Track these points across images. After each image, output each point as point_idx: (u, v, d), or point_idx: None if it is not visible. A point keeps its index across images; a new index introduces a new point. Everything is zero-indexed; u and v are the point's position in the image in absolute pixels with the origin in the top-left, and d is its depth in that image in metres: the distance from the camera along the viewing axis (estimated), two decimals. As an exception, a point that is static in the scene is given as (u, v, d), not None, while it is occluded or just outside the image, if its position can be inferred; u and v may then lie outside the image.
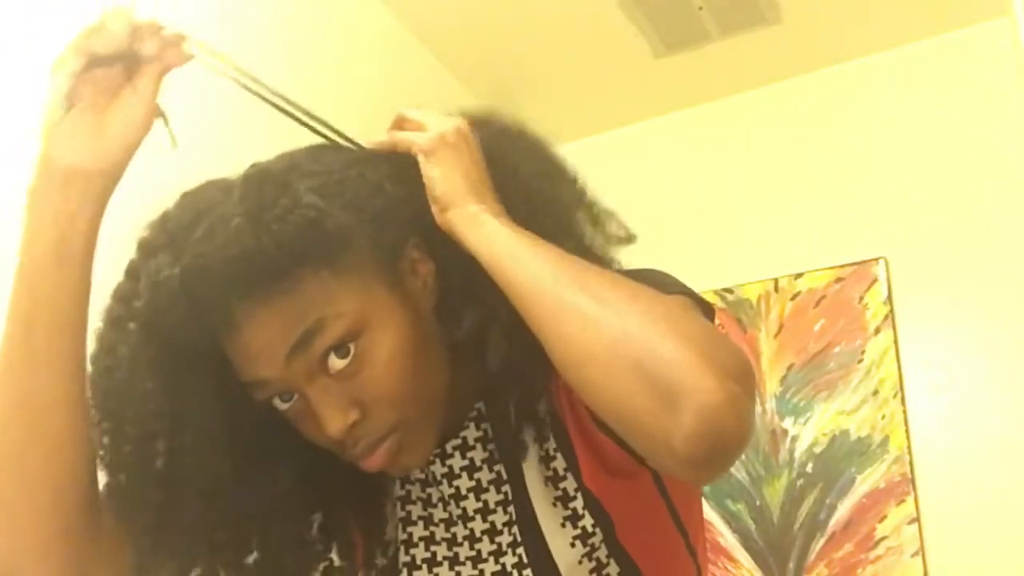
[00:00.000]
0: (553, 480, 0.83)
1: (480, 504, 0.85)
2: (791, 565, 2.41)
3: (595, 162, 1.01)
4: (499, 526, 0.84)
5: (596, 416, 0.77)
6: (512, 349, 0.79)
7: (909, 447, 2.36)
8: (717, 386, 0.63)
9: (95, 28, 0.74)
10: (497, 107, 0.91)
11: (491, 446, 0.85)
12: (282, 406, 0.79)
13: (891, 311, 2.44)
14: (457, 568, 0.85)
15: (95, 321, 0.78)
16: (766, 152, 2.71)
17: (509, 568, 0.83)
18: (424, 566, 0.86)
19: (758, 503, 2.48)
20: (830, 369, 2.48)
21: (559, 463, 0.83)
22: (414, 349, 0.78)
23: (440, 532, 0.86)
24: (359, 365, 0.76)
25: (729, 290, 2.61)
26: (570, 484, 0.83)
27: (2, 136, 1.31)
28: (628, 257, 0.90)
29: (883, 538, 2.33)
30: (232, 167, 0.81)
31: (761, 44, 2.58)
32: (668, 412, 0.63)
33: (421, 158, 0.80)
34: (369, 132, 0.86)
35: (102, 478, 0.78)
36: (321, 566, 0.88)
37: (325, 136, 0.84)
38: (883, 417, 2.39)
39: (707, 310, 0.80)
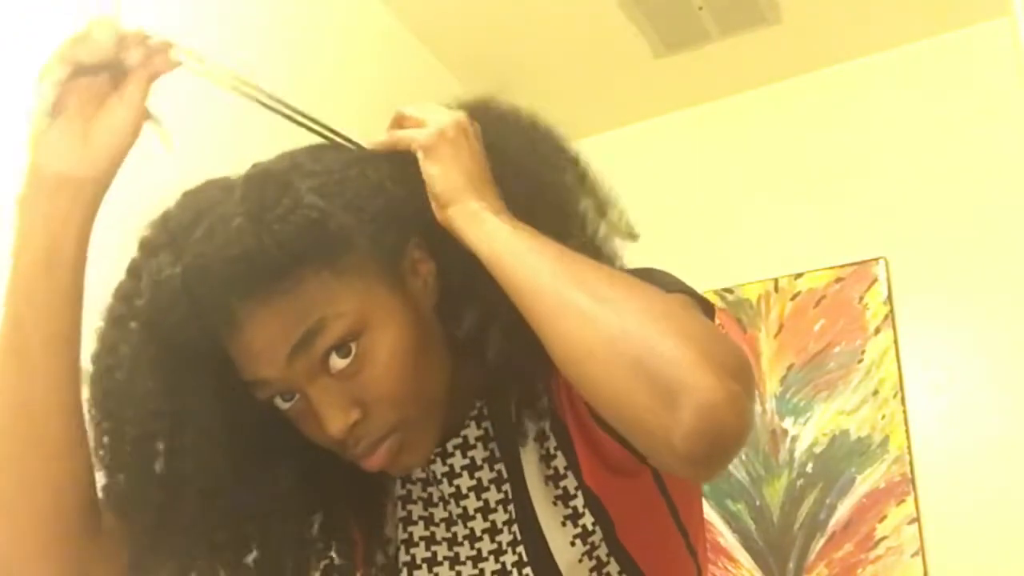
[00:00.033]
0: (553, 479, 0.83)
1: (481, 503, 0.85)
2: (791, 565, 2.41)
3: (595, 162, 1.00)
4: (499, 525, 0.84)
5: (596, 413, 0.77)
6: (512, 347, 0.79)
7: (909, 447, 2.36)
8: (716, 383, 0.63)
9: (80, 37, 0.75)
10: (495, 93, 0.91)
11: (492, 445, 0.85)
12: (283, 405, 0.79)
13: (891, 311, 2.44)
14: (458, 568, 0.85)
15: (96, 320, 0.78)
16: (766, 152, 2.71)
17: (509, 567, 0.83)
18: (424, 565, 0.86)
19: (758, 503, 2.48)
20: (830, 369, 2.48)
21: (559, 461, 0.83)
22: (415, 348, 0.78)
23: (441, 532, 0.86)
24: (360, 365, 0.76)
25: (729, 290, 2.61)
26: (570, 482, 0.83)
27: None
28: (628, 257, 0.90)
29: (883, 538, 2.33)
30: (232, 167, 0.81)
31: (761, 44, 2.58)
32: (667, 409, 0.63)
33: (421, 155, 0.80)
34: (369, 132, 0.86)
35: (102, 478, 0.78)
36: (321, 565, 0.88)
37: (321, 135, 0.83)
38: (883, 417, 2.39)
39: (707, 308, 0.80)
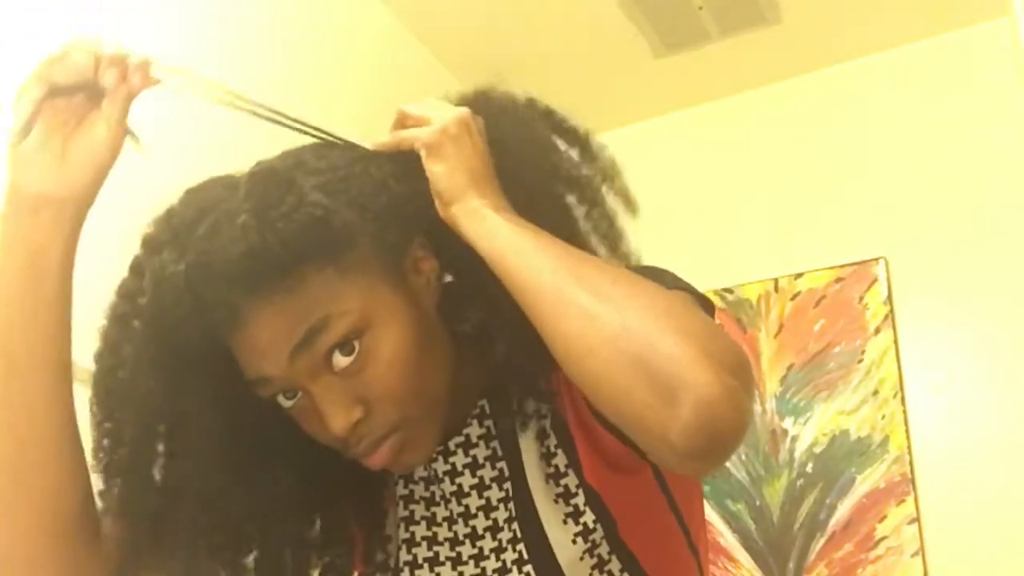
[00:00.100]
0: (554, 476, 0.83)
1: (483, 501, 0.85)
2: (791, 565, 2.41)
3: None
4: (501, 523, 0.84)
5: (597, 411, 0.77)
6: (515, 345, 0.80)
7: (909, 447, 2.36)
8: (714, 380, 0.64)
9: (58, 57, 0.75)
10: (494, 84, 0.91)
11: (494, 443, 0.86)
12: (286, 403, 0.79)
13: (891, 311, 2.44)
14: (460, 568, 0.85)
15: (98, 319, 0.78)
16: (766, 152, 2.71)
17: (510, 564, 0.83)
18: (426, 565, 0.86)
19: (758, 503, 2.48)
20: (830, 369, 2.48)
21: (560, 459, 0.84)
22: (417, 347, 0.78)
23: (443, 532, 0.86)
24: (363, 363, 0.76)
25: (729, 290, 2.61)
26: (571, 480, 0.83)
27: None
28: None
29: (883, 538, 2.33)
30: (234, 165, 0.81)
31: (761, 44, 2.58)
32: (666, 405, 0.64)
33: (424, 154, 0.80)
34: (369, 132, 0.86)
35: (100, 482, 0.78)
36: (321, 565, 0.88)
37: (316, 138, 0.83)
38: (883, 417, 2.39)
39: (707, 306, 0.80)
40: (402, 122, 0.84)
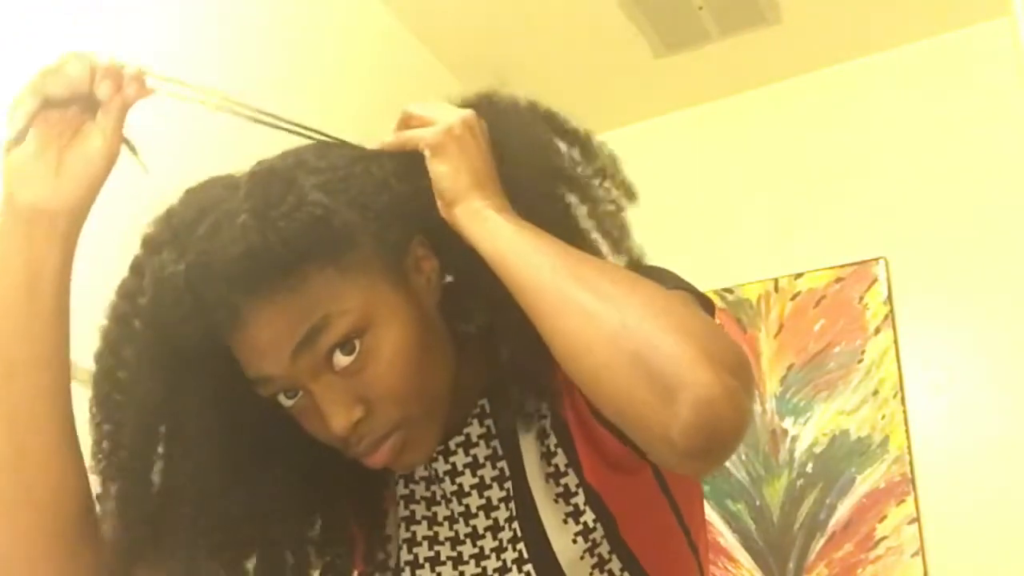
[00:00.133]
0: (554, 476, 0.83)
1: (483, 501, 0.85)
2: (791, 565, 2.41)
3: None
4: (501, 522, 0.84)
5: (597, 410, 0.77)
6: (515, 345, 0.80)
7: (909, 447, 2.36)
8: (714, 379, 0.64)
9: (52, 70, 0.75)
10: (496, 87, 0.91)
11: (494, 442, 0.86)
12: (287, 403, 0.79)
13: (891, 311, 2.44)
14: (461, 568, 0.85)
15: (99, 319, 0.78)
16: (766, 152, 2.71)
17: (510, 564, 0.83)
18: (427, 564, 0.86)
19: (758, 503, 2.48)
20: (830, 369, 2.48)
21: (560, 459, 0.84)
22: (418, 346, 0.78)
23: (444, 531, 0.86)
24: (364, 362, 0.76)
25: (729, 290, 2.62)
26: (571, 480, 0.83)
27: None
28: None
29: (883, 538, 2.33)
30: (232, 167, 0.81)
31: (761, 44, 2.58)
32: (665, 405, 0.64)
33: (428, 154, 0.80)
34: (369, 132, 0.86)
35: (99, 482, 0.78)
36: (321, 564, 0.88)
37: (315, 140, 0.84)
38: (883, 417, 2.40)
39: (707, 305, 0.80)
40: (406, 122, 0.84)
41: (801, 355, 2.52)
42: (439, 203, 0.80)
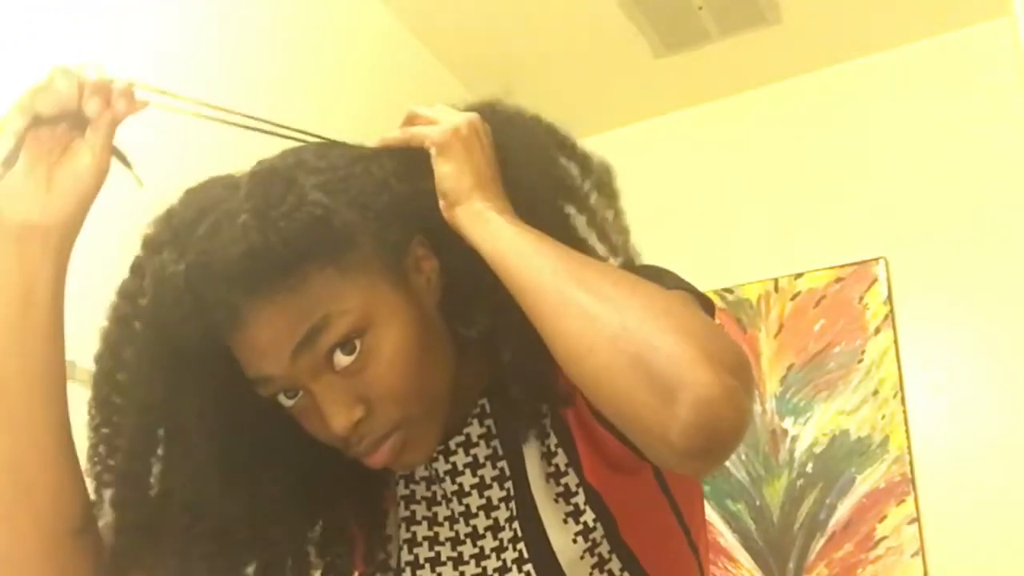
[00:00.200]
0: (555, 476, 0.83)
1: (483, 500, 0.85)
2: (791, 565, 2.41)
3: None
4: (502, 522, 0.84)
5: (597, 411, 0.77)
6: (516, 346, 0.80)
7: (909, 447, 2.36)
8: (714, 379, 0.64)
9: (41, 87, 0.75)
10: (501, 95, 0.91)
11: (494, 442, 0.86)
12: (287, 403, 0.79)
13: (891, 311, 2.45)
14: (461, 567, 0.85)
15: (99, 320, 0.78)
16: (766, 152, 2.71)
17: (510, 563, 0.83)
18: (428, 565, 0.86)
19: (758, 503, 2.48)
20: (830, 369, 2.48)
21: (560, 459, 0.84)
22: (418, 346, 0.78)
23: (444, 532, 0.86)
24: (364, 362, 0.76)
25: (729, 290, 2.62)
26: (571, 480, 0.83)
27: None
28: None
29: (883, 538, 2.33)
30: (232, 167, 0.81)
31: (761, 44, 2.58)
32: (665, 405, 0.64)
33: (433, 152, 0.80)
34: (369, 132, 0.86)
35: (92, 487, 0.78)
36: (322, 564, 0.88)
37: (306, 143, 0.84)
38: (883, 417, 2.40)
39: (707, 306, 0.80)
40: (412, 121, 0.84)
41: (801, 355, 2.52)
42: (441, 203, 0.80)
